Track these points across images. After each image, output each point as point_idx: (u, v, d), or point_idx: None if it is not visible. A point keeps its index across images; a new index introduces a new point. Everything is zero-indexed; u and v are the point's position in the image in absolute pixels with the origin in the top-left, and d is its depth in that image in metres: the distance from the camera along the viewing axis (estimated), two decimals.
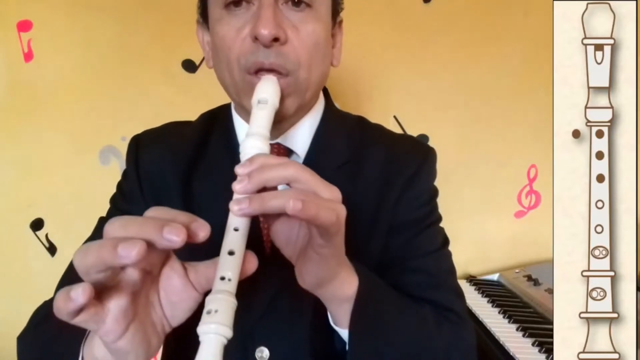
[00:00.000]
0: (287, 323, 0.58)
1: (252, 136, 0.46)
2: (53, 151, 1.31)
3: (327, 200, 0.40)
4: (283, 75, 0.54)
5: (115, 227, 0.35)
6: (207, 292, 0.38)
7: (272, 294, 0.57)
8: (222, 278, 0.37)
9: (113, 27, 1.29)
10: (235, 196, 0.40)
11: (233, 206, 0.39)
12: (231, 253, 0.38)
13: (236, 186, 0.40)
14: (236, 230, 0.40)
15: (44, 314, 0.58)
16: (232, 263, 0.38)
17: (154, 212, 0.38)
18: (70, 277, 0.49)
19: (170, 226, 0.34)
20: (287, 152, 0.64)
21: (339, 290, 0.48)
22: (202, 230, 0.37)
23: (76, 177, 1.32)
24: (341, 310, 0.50)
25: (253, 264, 0.40)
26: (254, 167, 0.40)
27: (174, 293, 0.40)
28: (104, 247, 0.33)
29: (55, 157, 1.31)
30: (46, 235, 1.34)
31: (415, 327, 0.55)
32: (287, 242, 0.45)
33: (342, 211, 0.41)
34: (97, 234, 0.67)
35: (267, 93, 0.51)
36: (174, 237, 0.34)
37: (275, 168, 0.40)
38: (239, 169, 0.41)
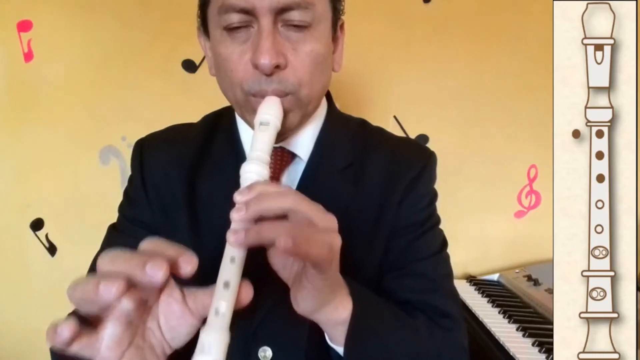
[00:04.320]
0: (290, 324, 0.58)
1: (252, 161, 0.46)
2: (53, 151, 1.31)
3: (322, 233, 0.40)
4: (284, 96, 0.55)
5: (106, 261, 0.37)
6: (204, 319, 0.39)
7: (276, 295, 0.57)
8: (217, 311, 0.38)
9: (113, 27, 1.29)
10: (232, 225, 0.41)
11: (230, 237, 0.39)
12: (227, 285, 0.39)
13: (234, 215, 0.40)
14: (232, 260, 0.41)
15: None
16: (227, 296, 0.39)
17: (146, 244, 0.39)
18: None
19: (152, 262, 0.35)
20: (290, 156, 0.64)
21: (333, 314, 0.49)
22: (189, 264, 0.38)
23: (76, 177, 1.32)
24: (336, 332, 0.51)
25: (248, 294, 0.41)
26: (252, 195, 0.41)
27: (173, 318, 0.41)
28: (89, 284, 0.35)
29: (55, 157, 1.31)
30: (46, 235, 1.34)
31: (408, 342, 0.57)
32: (283, 266, 0.46)
33: (337, 241, 0.42)
34: (107, 244, 0.68)
35: (269, 115, 0.51)
36: (156, 271, 0.35)
37: (273, 198, 0.41)
38: (237, 196, 0.41)
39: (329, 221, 0.42)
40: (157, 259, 0.36)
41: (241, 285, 0.41)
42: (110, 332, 0.37)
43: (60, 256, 1.34)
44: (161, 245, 0.39)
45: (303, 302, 0.46)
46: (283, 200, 0.41)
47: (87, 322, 0.37)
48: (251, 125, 0.59)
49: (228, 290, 0.39)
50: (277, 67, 0.53)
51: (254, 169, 0.45)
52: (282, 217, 0.42)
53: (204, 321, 0.40)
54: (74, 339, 0.35)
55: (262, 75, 0.53)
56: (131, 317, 0.38)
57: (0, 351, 1.33)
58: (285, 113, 0.55)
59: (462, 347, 0.63)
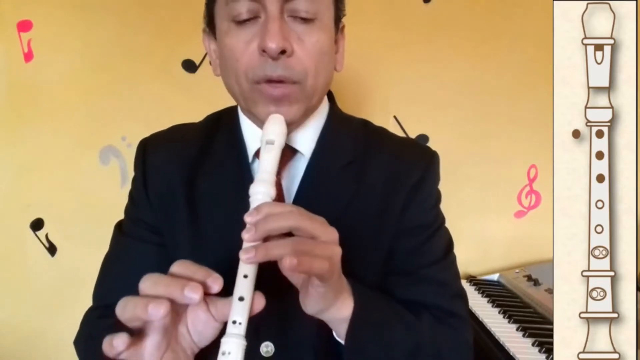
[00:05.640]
0: (293, 320, 0.59)
1: (259, 182, 0.51)
2: (53, 151, 1.31)
3: (323, 245, 0.46)
4: (291, 84, 0.56)
5: (148, 285, 0.44)
6: (225, 322, 0.46)
7: (278, 292, 0.58)
8: (234, 322, 0.44)
9: (113, 27, 1.29)
10: (244, 244, 0.46)
11: (242, 255, 0.44)
12: (241, 299, 0.45)
13: (245, 235, 0.45)
14: (245, 277, 0.46)
15: (91, 329, 0.65)
16: (242, 308, 0.45)
17: (177, 267, 0.45)
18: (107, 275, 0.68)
19: (189, 286, 0.42)
20: (292, 152, 0.64)
21: (337, 313, 0.53)
22: (216, 284, 0.44)
23: (76, 177, 1.32)
24: (340, 328, 0.55)
25: (260, 304, 0.46)
26: (260, 217, 0.46)
27: (199, 324, 0.47)
28: (138, 305, 0.41)
29: (55, 157, 1.31)
30: (46, 235, 1.34)
31: (407, 336, 0.58)
32: (292, 275, 0.50)
33: (337, 252, 0.47)
34: (116, 245, 0.70)
35: (274, 134, 0.55)
36: (193, 295, 0.42)
37: (278, 218, 0.46)
38: (247, 218, 0.46)
39: (330, 234, 0.47)
40: (193, 283, 0.42)
41: (254, 296, 0.46)
42: (151, 340, 0.44)
43: (60, 256, 1.34)
44: (191, 267, 0.45)
45: (310, 306, 0.51)
46: (287, 220, 0.45)
47: (130, 331, 0.42)
48: (257, 120, 0.60)
49: (243, 303, 0.45)
50: (284, 52, 0.54)
51: (261, 190, 0.50)
52: (288, 233, 0.47)
53: (223, 323, 0.46)
54: (126, 349, 0.41)
55: (268, 60, 0.54)
56: (167, 326, 0.44)
57: (0, 351, 1.33)
58: (290, 104, 0.57)
59: (466, 343, 0.64)
